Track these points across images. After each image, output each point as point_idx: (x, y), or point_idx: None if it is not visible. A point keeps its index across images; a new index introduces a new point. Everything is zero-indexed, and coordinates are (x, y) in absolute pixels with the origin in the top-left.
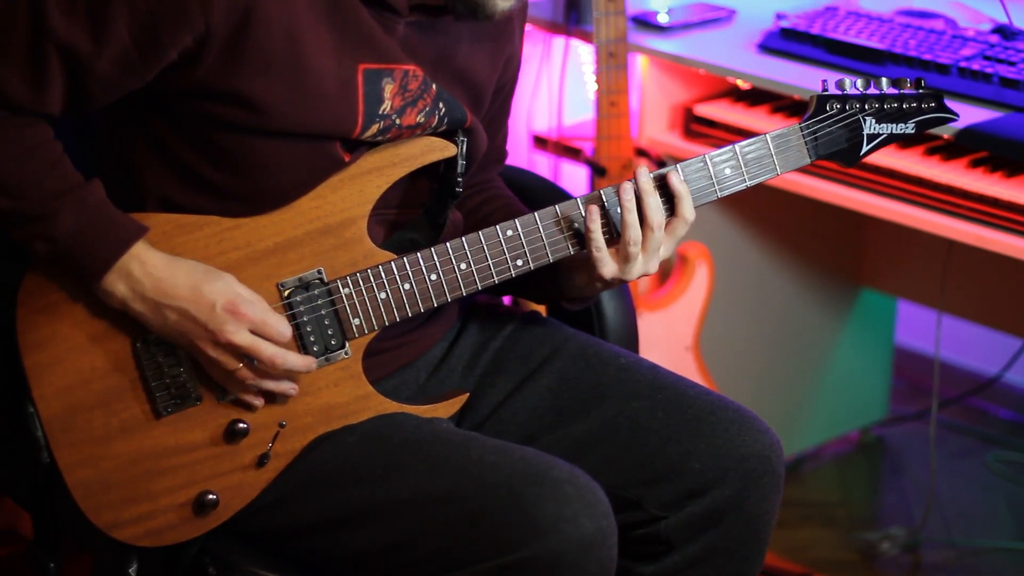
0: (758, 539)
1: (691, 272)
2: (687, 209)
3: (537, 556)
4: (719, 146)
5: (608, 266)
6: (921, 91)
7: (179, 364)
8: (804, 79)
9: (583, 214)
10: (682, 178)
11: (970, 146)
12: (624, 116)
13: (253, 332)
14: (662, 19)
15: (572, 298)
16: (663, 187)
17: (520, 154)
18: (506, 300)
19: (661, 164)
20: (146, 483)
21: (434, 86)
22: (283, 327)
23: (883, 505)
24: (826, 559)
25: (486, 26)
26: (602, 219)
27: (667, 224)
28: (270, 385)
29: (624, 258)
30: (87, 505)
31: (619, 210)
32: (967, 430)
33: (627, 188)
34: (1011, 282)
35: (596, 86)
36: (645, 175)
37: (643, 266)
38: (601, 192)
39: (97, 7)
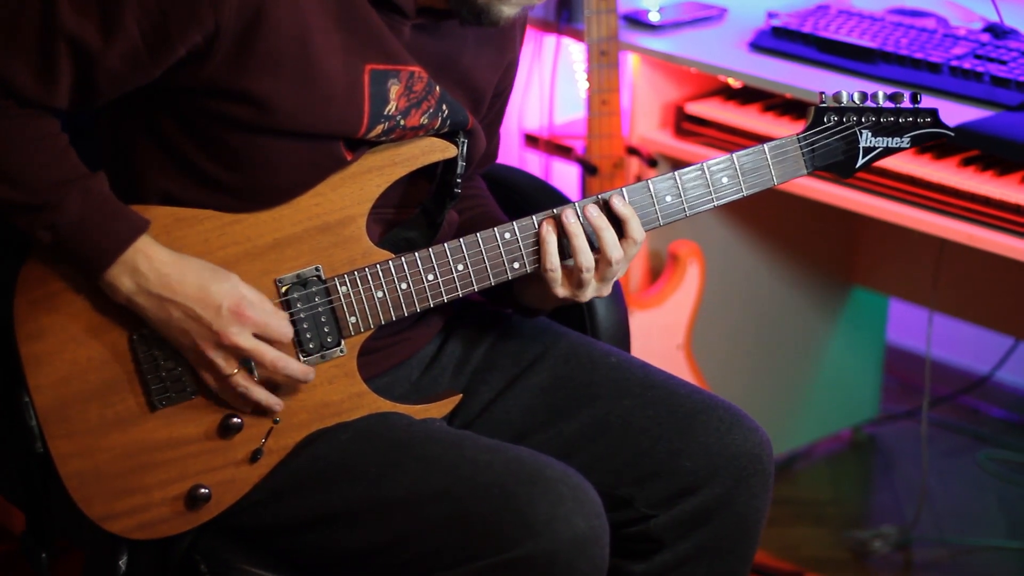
0: (749, 537)
1: (682, 271)
2: (635, 231)
3: (530, 555)
4: (710, 144)
5: (561, 287)
6: (917, 106)
7: (175, 357)
8: (795, 78)
9: (581, 218)
10: (627, 201)
11: (961, 145)
12: (615, 114)
13: (256, 336)
14: (653, 17)
15: (523, 309)
16: (609, 210)
17: (511, 152)
18: None
19: (652, 163)
20: (139, 475)
21: (438, 88)
22: (285, 328)
23: (875, 503)
24: (818, 557)
25: (490, 31)
26: (561, 236)
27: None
28: (259, 395)
29: (577, 283)
30: (80, 496)
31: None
32: (959, 428)
33: (569, 213)
34: (1002, 281)
35: (587, 84)
36: (596, 211)
37: (596, 290)
38: (598, 196)
39: (108, 3)
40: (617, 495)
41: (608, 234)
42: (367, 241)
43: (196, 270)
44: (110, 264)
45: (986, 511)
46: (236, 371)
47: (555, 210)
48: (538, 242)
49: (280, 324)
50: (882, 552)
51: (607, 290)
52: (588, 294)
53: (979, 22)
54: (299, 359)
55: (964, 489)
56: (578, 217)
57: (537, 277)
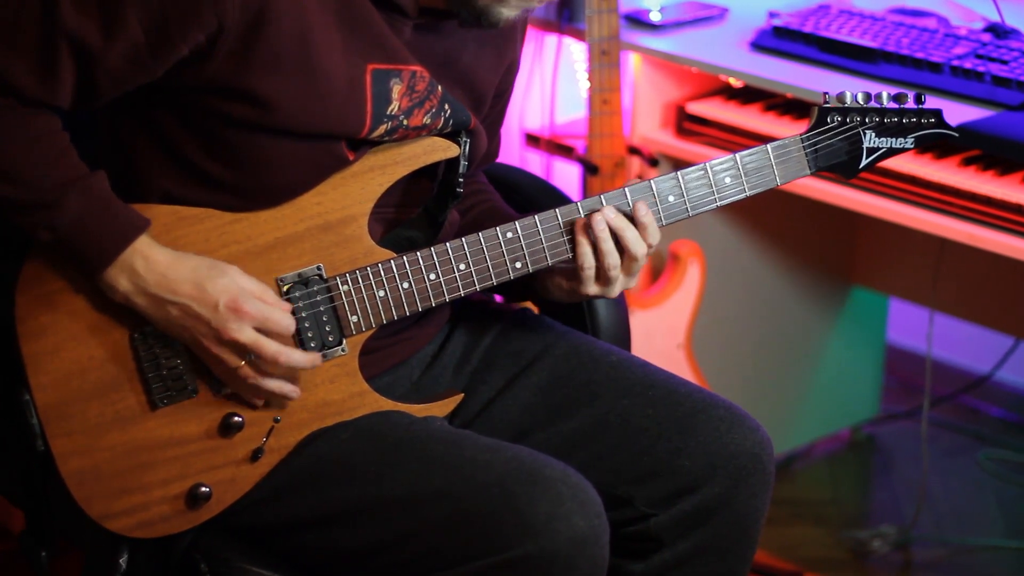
0: (748, 537)
1: (683, 270)
2: (652, 237)
3: (530, 555)
4: (711, 144)
5: (592, 286)
6: (921, 107)
7: (176, 356)
8: (797, 77)
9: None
10: (636, 205)
11: (962, 144)
12: (616, 114)
13: (257, 329)
14: (655, 17)
15: (546, 301)
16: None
17: (512, 152)
18: (497, 298)
19: (654, 162)
20: (139, 474)
21: (440, 88)
22: (286, 321)
23: (874, 503)
24: (817, 557)
25: (491, 32)
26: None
27: None
28: (272, 385)
29: (605, 281)
30: (80, 495)
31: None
32: (958, 428)
33: (599, 220)
34: (1003, 280)
35: (588, 84)
36: (614, 212)
37: (624, 284)
38: (600, 197)
39: (110, 1)
40: (616, 494)
41: (631, 232)
42: (369, 240)
43: (192, 268)
44: (108, 264)
45: (985, 511)
46: (243, 364)
47: (558, 210)
48: (572, 240)
49: (281, 317)
50: (881, 552)
51: (634, 283)
52: (617, 289)
53: (980, 22)
54: None
55: (964, 489)
56: (606, 221)
57: (567, 276)
